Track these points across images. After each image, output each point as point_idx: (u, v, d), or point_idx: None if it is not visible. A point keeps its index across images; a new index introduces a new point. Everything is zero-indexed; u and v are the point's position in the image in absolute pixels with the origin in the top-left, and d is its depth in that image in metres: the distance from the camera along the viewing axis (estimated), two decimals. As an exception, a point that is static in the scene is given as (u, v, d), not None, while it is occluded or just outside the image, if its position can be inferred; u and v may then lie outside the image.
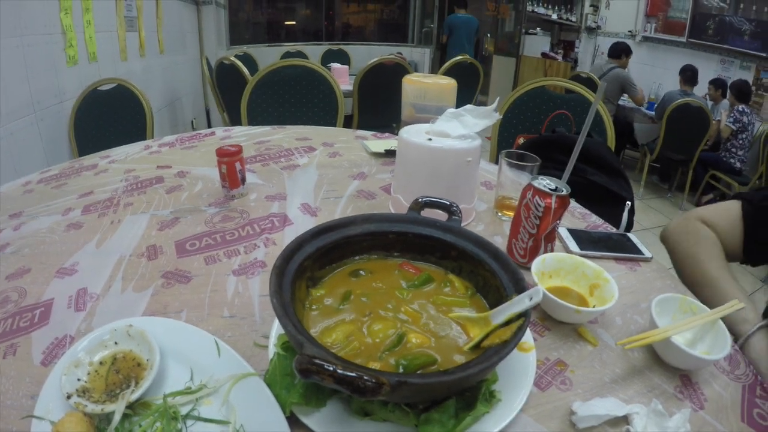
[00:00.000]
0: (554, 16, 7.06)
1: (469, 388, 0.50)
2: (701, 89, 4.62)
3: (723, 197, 4.36)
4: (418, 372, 0.50)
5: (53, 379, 0.53)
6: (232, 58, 3.35)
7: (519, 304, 0.53)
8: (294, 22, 7.33)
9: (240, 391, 0.52)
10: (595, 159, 1.36)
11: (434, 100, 1.12)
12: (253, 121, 2.35)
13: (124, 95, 2.41)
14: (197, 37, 5.05)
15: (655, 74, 5.61)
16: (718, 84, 4.50)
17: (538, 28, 7.06)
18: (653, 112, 4.71)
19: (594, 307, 0.71)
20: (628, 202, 1.20)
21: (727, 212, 0.95)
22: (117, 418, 0.47)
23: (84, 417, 0.47)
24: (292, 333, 0.45)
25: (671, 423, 0.53)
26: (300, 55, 5.21)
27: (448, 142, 0.91)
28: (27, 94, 2.03)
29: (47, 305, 0.72)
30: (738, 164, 4.05)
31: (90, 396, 0.51)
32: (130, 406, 0.50)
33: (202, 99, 5.15)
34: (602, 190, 1.34)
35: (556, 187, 0.78)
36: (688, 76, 4.51)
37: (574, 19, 7.11)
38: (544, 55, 6.79)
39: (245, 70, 3.20)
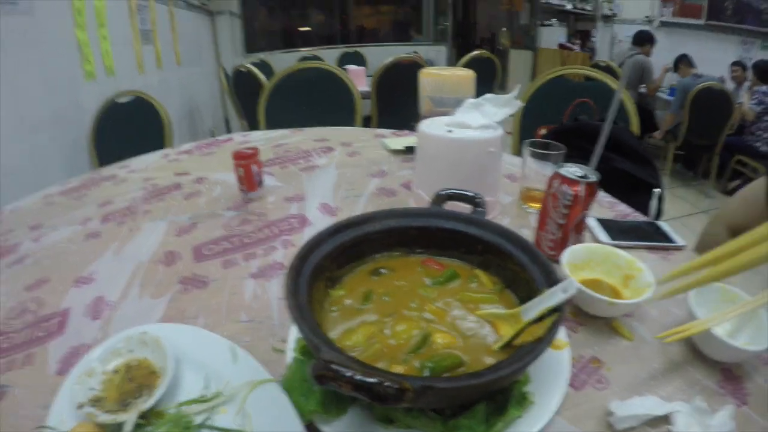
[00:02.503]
0: (569, 6, 6.98)
1: (500, 391, 0.47)
2: (716, 70, 4.51)
3: (750, 182, 4.21)
4: (445, 375, 0.47)
5: (66, 388, 0.52)
6: (248, 66, 3.37)
7: (552, 297, 0.49)
8: (309, 28, 7.37)
9: (257, 399, 0.49)
10: (621, 146, 1.31)
11: (452, 92, 1.09)
12: (271, 126, 2.35)
13: (142, 107, 2.43)
14: (213, 47, 5.12)
15: (674, 60, 5.48)
16: (744, 66, 4.39)
17: (553, 19, 6.98)
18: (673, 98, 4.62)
19: (628, 299, 0.67)
20: (657, 189, 1.15)
21: (751, 198, 1.02)
22: (128, 429, 0.45)
23: (95, 427, 0.46)
24: (309, 336, 0.42)
25: (715, 421, 0.49)
26: (316, 59, 5.21)
27: (469, 132, 0.88)
28: (47, 109, 2.06)
29: (64, 314, 0.72)
30: (764, 147, 3.89)
31: (102, 405, 0.49)
32: (143, 415, 0.48)
33: (221, 108, 5.21)
34: (629, 177, 1.29)
35: (584, 174, 0.74)
36: (686, 62, 4.52)
37: (589, 8, 7.01)
38: (560, 46, 6.71)
39: (261, 76, 3.21)
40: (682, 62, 4.58)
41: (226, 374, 0.53)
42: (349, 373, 0.36)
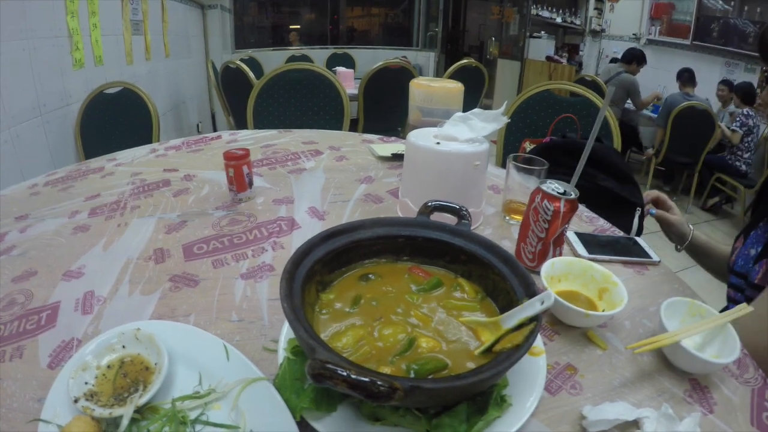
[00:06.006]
0: (559, 20, 7.07)
1: (481, 393, 0.50)
2: (701, 91, 4.60)
3: (729, 200, 4.35)
4: (430, 377, 0.50)
5: (60, 382, 0.53)
6: (238, 62, 3.36)
7: (530, 308, 0.52)
8: (299, 26, 7.35)
9: (249, 396, 0.51)
10: (606, 165, 1.35)
11: (441, 104, 1.12)
12: (258, 125, 2.35)
13: (130, 98, 2.42)
14: (203, 41, 5.08)
15: (659, 77, 5.59)
16: (732, 86, 4.48)
17: (542, 32, 7.05)
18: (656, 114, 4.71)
19: (603, 311, 0.70)
20: (639, 208, 1.20)
21: None
22: (125, 422, 0.47)
23: (92, 421, 0.47)
24: (304, 338, 0.44)
25: (681, 427, 0.52)
26: (305, 58, 5.22)
27: (457, 145, 0.91)
28: (33, 97, 2.04)
29: (54, 308, 0.72)
30: (743, 167, 4.03)
31: (98, 400, 0.50)
32: (138, 410, 0.49)
33: (207, 102, 5.17)
34: (612, 195, 1.33)
35: (565, 191, 0.78)
36: (686, 77, 4.52)
37: (578, 22, 7.12)
38: (548, 58, 6.78)
39: (251, 73, 3.21)
40: (684, 77, 4.57)
41: (219, 372, 0.54)
42: (344, 373, 0.39)
